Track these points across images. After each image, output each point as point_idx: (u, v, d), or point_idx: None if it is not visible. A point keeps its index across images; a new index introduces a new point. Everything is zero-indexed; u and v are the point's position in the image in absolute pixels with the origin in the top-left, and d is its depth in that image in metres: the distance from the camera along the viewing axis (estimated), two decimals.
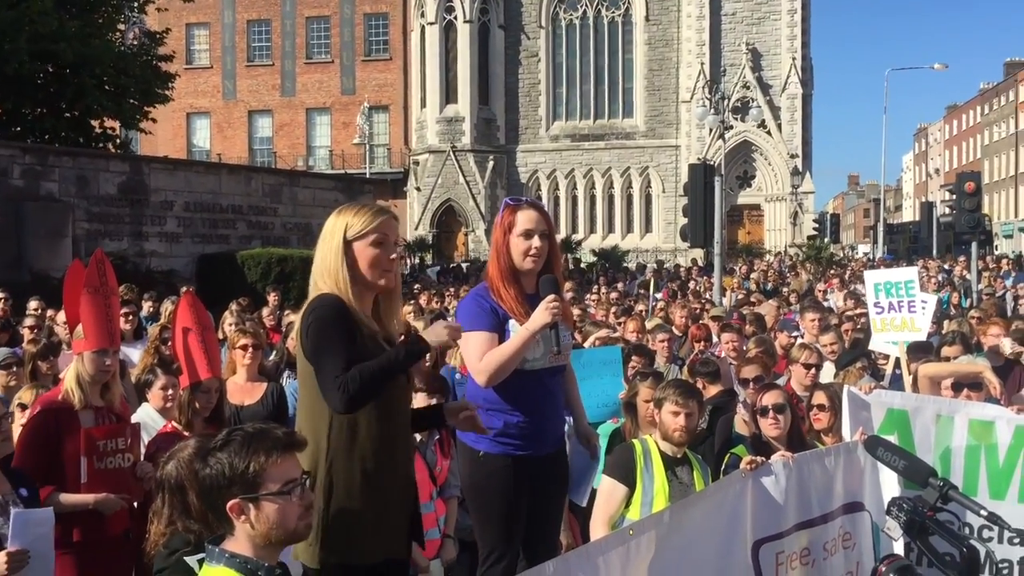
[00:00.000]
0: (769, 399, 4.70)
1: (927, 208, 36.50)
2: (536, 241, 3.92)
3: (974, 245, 19.80)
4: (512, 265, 3.94)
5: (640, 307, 12.96)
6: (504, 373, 3.77)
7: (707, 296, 17.18)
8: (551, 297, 3.76)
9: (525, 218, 3.92)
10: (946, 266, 26.21)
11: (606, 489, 4.31)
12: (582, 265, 34.55)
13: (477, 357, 3.80)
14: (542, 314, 3.72)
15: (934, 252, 33.78)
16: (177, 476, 3.13)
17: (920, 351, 6.41)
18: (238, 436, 2.51)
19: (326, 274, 3.24)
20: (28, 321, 8.90)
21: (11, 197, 16.79)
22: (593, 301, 14.54)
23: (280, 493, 2.46)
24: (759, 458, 3.95)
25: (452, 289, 17.80)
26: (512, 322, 3.86)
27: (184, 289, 11.80)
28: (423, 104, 46.02)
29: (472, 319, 3.88)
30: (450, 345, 3.86)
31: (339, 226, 3.26)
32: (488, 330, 3.85)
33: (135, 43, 24.16)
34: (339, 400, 3.05)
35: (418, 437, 5.10)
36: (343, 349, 3.11)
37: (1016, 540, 4.30)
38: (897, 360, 6.35)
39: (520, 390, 3.88)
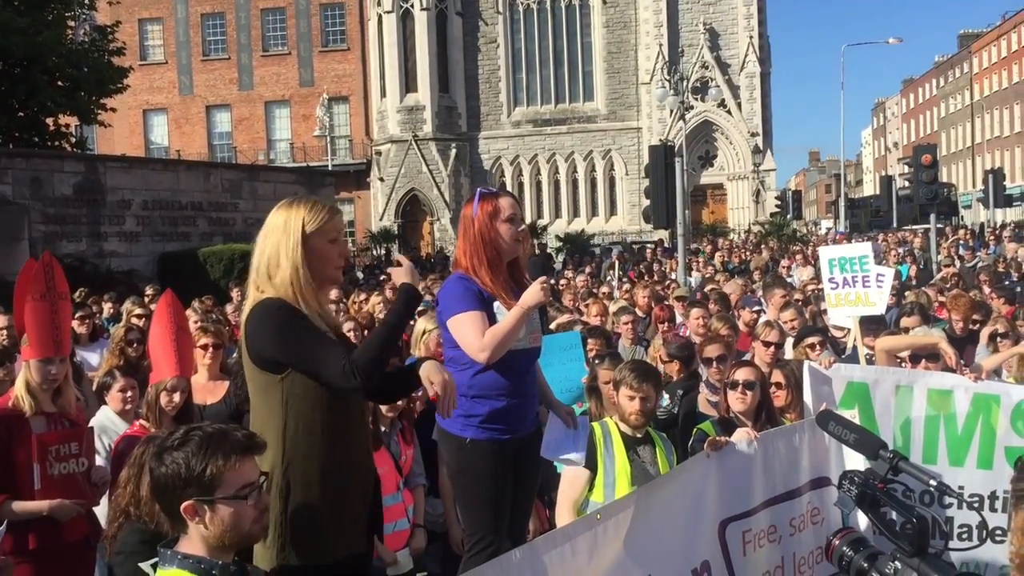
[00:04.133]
0: (741, 375, 4.72)
1: (887, 182, 36.84)
2: (522, 226, 4.07)
3: (932, 217, 20.04)
4: (498, 252, 4.00)
5: (604, 289, 12.99)
6: (503, 350, 3.81)
7: (672, 276, 17.25)
8: (543, 278, 3.89)
9: (508, 204, 4.02)
10: (907, 238, 26.52)
11: (569, 474, 4.31)
12: (548, 250, 34.56)
13: (477, 335, 3.80)
14: (536, 293, 3.82)
15: (894, 224, 34.15)
16: (140, 461, 3.13)
17: (872, 324, 6.46)
18: (196, 436, 2.47)
19: (283, 268, 3.17)
20: None
21: None
22: (562, 286, 14.56)
23: (235, 497, 2.43)
24: (722, 438, 3.97)
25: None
26: (498, 304, 3.91)
27: (148, 289, 11.70)
28: (383, 94, 45.73)
29: (462, 301, 3.90)
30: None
31: (294, 220, 3.20)
32: (479, 310, 3.88)
33: (86, 39, 23.79)
34: (354, 384, 3.03)
35: (383, 428, 5.08)
36: (329, 339, 3.12)
37: (976, 504, 4.37)
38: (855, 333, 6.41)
39: (508, 371, 3.91)
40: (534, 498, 4.45)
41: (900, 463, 2.32)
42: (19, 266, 15.16)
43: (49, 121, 22.55)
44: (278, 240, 3.22)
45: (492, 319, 3.88)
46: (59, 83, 21.73)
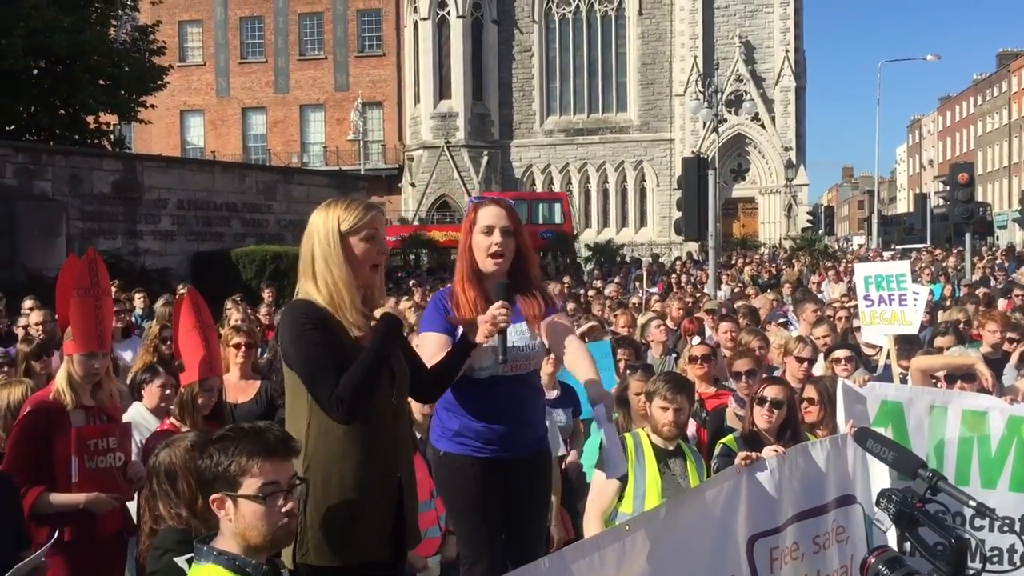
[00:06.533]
0: (770, 392, 4.69)
1: (921, 199, 36.58)
2: (497, 237, 3.72)
3: (967, 236, 19.82)
4: (475, 267, 3.77)
5: (633, 300, 12.97)
6: (444, 381, 3.58)
7: (703, 289, 17.19)
8: (498, 304, 3.51)
9: (486, 214, 3.75)
10: (938, 257, 26.26)
11: (598, 483, 4.31)
12: (578, 260, 34.58)
13: (427, 359, 3.61)
14: (481, 326, 3.48)
15: (928, 243, 33.83)
16: (169, 463, 3.16)
17: (907, 344, 6.40)
18: (231, 433, 2.54)
19: (318, 268, 3.20)
20: (22, 321, 8.88)
21: (4, 196, 16.75)
22: (591, 296, 14.56)
23: (257, 496, 2.46)
24: (753, 453, 3.95)
25: (449, 285, 17.76)
26: (460, 329, 3.65)
27: (180, 287, 11.82)
28: (417, 100, 45.97)
29: (427, 320, 3.81)
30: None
31: (331, 220, 3.22)
32: (441, 332, 3.71)
33: (127, 40, 24.12)
34: (338, 416, 3.06)
35: (418, 435, 5.08)
36: (329, 362, 3.08)
37: (1006, 528, 4.32)
38: (889, 352, 6.35)
39: (474, 396, 3.73)
40: (543, 519, 4.26)
41: (939, 483, 2.31)
42: (56, 262, 15.33)
43: (89, 119, 22.85)
44: (315, 240, 3.24)
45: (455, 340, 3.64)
46: (100, 82, 22.02)
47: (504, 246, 3.74)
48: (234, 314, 9.33)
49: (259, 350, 7.29)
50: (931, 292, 12.32)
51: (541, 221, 36.83)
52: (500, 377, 3.73)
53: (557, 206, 37.98)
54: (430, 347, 3.66)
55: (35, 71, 21.03)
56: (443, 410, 3.81)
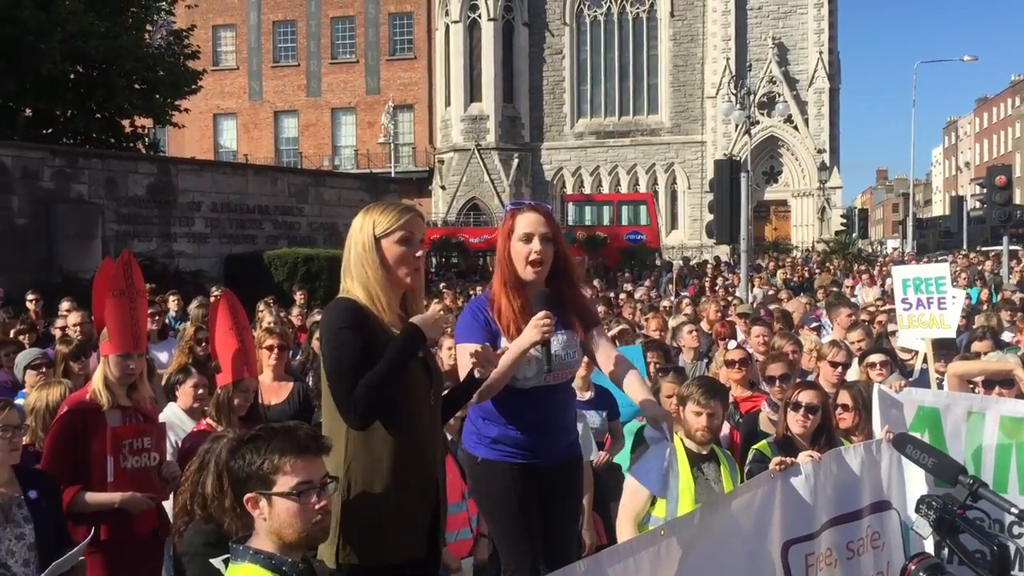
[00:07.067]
0: (804, 397, 4.64)
1: (957, 202, 36.11)
2: (536, 245, 3.66)
3: (1005, 240, 19.54)
4: (515, 275, 3.71)
5: (664, 303, 12.91)
6: (491, 391, 3.59)
7: (735, 292, 17.08)
8: (541, 314, 3.51)
9: (524, 221, 3.69)
10: (974, 261, 25.89)
11: (631, 487, 4.28)
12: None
13: (463, 370, 3.58)
14: (530, 332, 3.51)
15: (964, 246, 33.39)
16: (215, 456, 3.21)
17: (944, 348, 6.31)
18: (263, 433, 2.56)
19: (356, 271, 3.25)
20: (59, 322, 9.01)
21: (42, 199, 17.01)
22: (621, 300, 14.51)
23: (291, 493, 2.47)
24: (788, 459, 3.91)
25: (479, 288, 17.81)
26: (503, 339, 3.65)
27: (214, 290, 11.95)
28: (448, 103, 46.10)
29: (464, 331, 3.74)
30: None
31: (367, 224, 3.28)
32: (479, 343, 3.60)
33: (162, 44, 24.42)
34: (351, 420, 3.09)
35: (449, 436, 5.08)
36: (355, 363, 3.09)
37: None
38: (925, 356, 6.27)
39: (516, 407, 3.71)
40: (576, 524, 4.24)
41: (980, 489, 2.27)
42: (92, 264, 15.52)
43: (125, 123, 23.15)
44: (354, 244, 3.29)
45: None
46: (136, 86, 22.30)
47: (543, 254, 3.68)
48: (266, 316, 9.41)
49: (291, 352, 7.34)
50: (968, 296, 12.15)
51: (626, 223, 36.07)
52: (539, 386, 3.71)
53: (643, 208, 37.38)
54: (467, 360, 3.60)
55: (72, 75, 21.36)
56: (479, 418, 3.80)
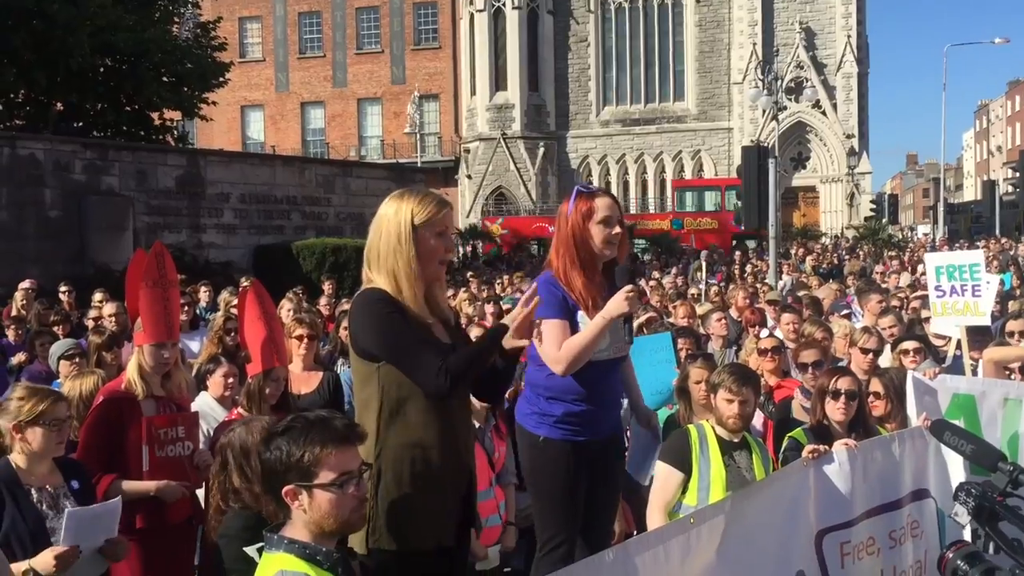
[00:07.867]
0: (843, 383, 4.58)
1: (989, 187, 35.61)
2: (616, 228, 3.93)
3: None
4: (591, 253, 3.91)
5: (692, 291, 12.84)
6: (581, 362, 3.77)
7: (764, 279, 16.96)
8: (629, 287, 3.74)
9: (604, 205, 3.92)
10: (1007, 246, 25.56)
11: (662, 475, 4.27)
12: (635, 251, 34.26)
13: (555, 345, 3.78)
14: (619, 303, 3.70)
15: (997, 231, 32.95)
16: (244, 441, 3.26)
17: (979, 335, 6.23)
18: (298, 424, 2.54)
19: (385, 261, 3.22)
20: (92, 313, 9.11)
21: (73, 192, 17.19)
22: (650, 287, 14.46)
23: (332, 485, 2.47)
24: (822, 446, 3.88)
25: (506, 277, 17.80)
26: (581, 313, 3.84)
27: (244, 280, 12.03)
28: (473, 92, 46.07)
29: (546, 307, 3.79)
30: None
31: (404, 211, 3.23)
32: (562, 318, 3.83)
33: (190, 36, 24.59)
34: (444, 385, 3.11)
35: (476, 424, 5.10)
36: (420, 338, 3.17)
37: None
38: (959, 342, 6.20)
39: (586, 380, 3.86)
40: (617, 504, 4.41)
41: (1020, 476, 2.24)
42: (124, 255, 15.67)
43: (154, 116, 23.34)
44: (386, 230, 3.25)
45: (575, 327, 3.83)
46: (164, 79, 22.48)
47: (621, 237, 3.97)
48: (285, 305, 9.43)
49: (320, 342, 7.36)
50: (1001, 282, 11.99)
51: (732, 208, 35.49)
52: (601, 361, 3.88)
53: None
54: (557, 334, 3.80)
55: (101, 69, 21.56)
56: (541, 398, 3.92)
